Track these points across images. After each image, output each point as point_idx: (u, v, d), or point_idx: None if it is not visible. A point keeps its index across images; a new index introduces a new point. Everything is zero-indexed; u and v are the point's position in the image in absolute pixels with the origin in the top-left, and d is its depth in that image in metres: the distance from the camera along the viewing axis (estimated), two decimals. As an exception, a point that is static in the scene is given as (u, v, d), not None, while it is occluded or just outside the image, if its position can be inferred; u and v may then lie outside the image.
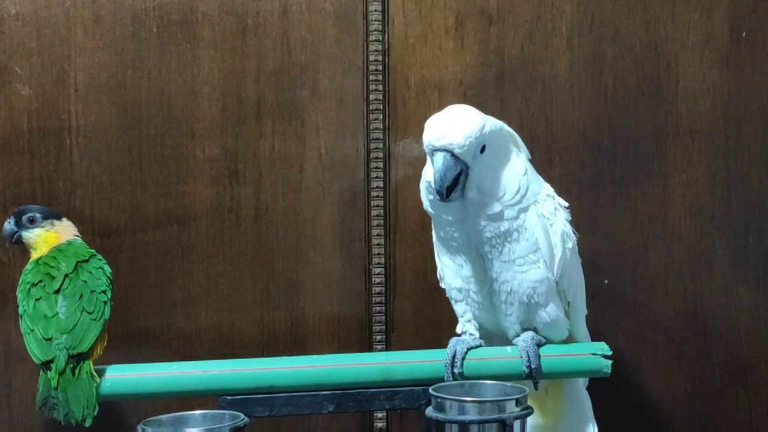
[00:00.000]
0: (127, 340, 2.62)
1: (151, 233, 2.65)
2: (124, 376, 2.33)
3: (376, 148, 2.70)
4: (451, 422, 2.22)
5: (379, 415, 2.71)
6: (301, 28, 2.68)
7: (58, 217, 2.45)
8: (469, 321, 2.43)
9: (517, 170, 2.32)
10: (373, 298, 2.70)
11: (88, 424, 2.24)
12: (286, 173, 2.68)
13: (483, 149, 2.25)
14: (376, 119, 2.69)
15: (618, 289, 2.74)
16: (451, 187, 2.25)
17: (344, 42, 2.70)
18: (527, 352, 2.36)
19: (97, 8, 2.62)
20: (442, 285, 2.47)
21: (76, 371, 2.25)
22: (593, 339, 2.51)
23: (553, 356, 2.40)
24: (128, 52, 2.64)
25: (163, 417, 2.26)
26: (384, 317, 2.70)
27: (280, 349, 2.68)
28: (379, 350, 2.68)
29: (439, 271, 2.47)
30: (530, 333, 2.39)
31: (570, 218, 2.42)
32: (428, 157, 2.30)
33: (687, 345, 2.77)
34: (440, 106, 2.67)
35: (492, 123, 2.30)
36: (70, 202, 2.62)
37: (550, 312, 2.38)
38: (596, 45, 2.74)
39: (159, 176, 2.65)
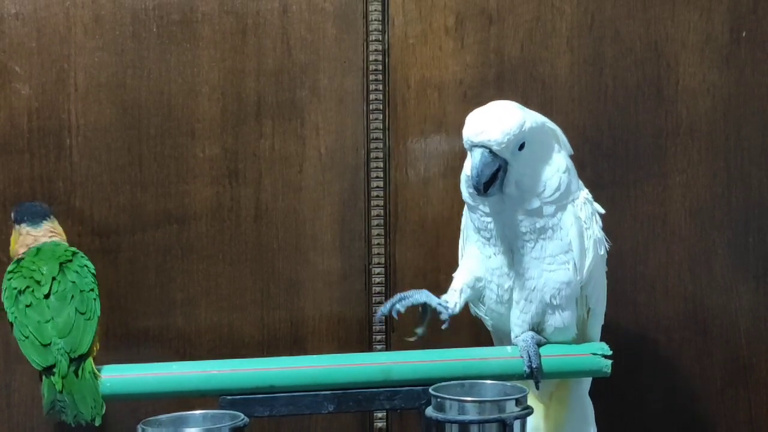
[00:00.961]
0: (126, 340, 2.62)
1: (151, 233, 2.65)
2: (124, 376, 2.33)
3: (376, 148, 2.70)
4: (451, 422, 2.22)
5: (379, 415, 2.72)
6: (301, 28, 2.68)
7: (42, 219, 2.44)
8: (455, 291, 2.42)
9: (557, 167, 2.32)
10: (373, 298, 2.70)
11: (98, 423, 2.23)
12: (286, 173, 2.68)
13: (522, 146, 2.25)
14: (376, 119, 2.69)
15: (618, 289, 2.74)
16: (489, 182, 2.26)
17: (344, 42, 2.70)
18: (528, 352, 2.36)
19: (97, 8, 2.62)
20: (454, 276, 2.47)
21: (79, 372, 2.25)
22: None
23: (553, 356, 2.40)
24: (128, 52, 2.64)
25: (163, 417, 2.26)
26: (384, 317, 2.69)
27: (280, 349, 2.68)
28: (379, 350, 2.68)
29: (460, 259, 2.47)
30: (531, 333, 2.39)
31: (600, 219, 2.41)
32: (468, 152, 2.29)
33: (687, 345, 2.77)
34: (440, 106, 2.69)
35: (533, 119, 2.29)
36: (70, 201, 2.62)
37: (565, 317, 2.38)
38: (596, 45, 2.74)
39: (159, 176, 2.65)
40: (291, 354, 2.55)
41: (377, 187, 2.69)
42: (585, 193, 2.40)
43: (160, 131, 2.65)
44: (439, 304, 2.41)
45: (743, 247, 2.76)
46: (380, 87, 2.70)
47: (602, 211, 2.43)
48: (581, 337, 2.45)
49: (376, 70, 2.69)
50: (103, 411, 2.24)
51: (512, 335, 2.43)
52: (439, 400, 2.24)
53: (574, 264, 2.34)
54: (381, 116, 2.70)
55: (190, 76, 2.66)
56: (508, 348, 2.42)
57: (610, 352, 2.40)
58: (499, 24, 2.72)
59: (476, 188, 2.25)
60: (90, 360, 2.28)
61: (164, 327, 2.67)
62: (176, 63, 2.65)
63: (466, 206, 2.43)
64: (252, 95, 2.68)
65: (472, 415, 2.21)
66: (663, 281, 2.76)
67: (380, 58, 2.69)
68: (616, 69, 2.74)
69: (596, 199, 2.69)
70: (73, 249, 2.41)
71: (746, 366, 2.78)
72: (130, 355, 2.59)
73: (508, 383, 2.32)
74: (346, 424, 2.71)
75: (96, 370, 2.28)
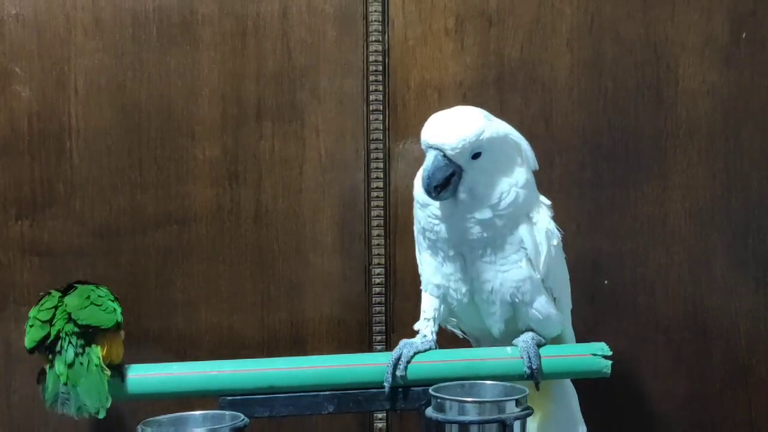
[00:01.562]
0: (127, 341, 2.60)
1: (151, 235, 2.66)
2: (124, 376, 2.33)
3: (376, 149, 2.70)
4: (451, 422, 2.22)
5: (379, 415, 2.72)
6: (301, 30, 2.69)
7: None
8: (429, 320, 2.42)
9: (515, 180, 2.30)
10: (373, 299, 2.71)
11: (101, 416, 2.21)
12: (286, 175, 2.69)
13: (478, 155, 2.24)
14: (376, 120, 2.70)
15: (618, 290, 2.75)
16: (442, 186, 2.25)
17: (344, 43, 2.70)
18: (528, 352, 2.36)
19: (97, 10, 2.63)
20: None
21: (86, 362, 2.24)
22: (593, 339, 2.51)
23: (552, 357, 2.39)
24: (128, 54, 2.65)
25: (163, 417, 2.27)
26: (384, 318, 2.70)
27: (281, 350, 2.68)
28: (379, 350, 2.68)
29: (419, 267, 2.47)
30: (530, 333, 2.39)
31: (553, 214, 2.41)
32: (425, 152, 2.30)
33: (687, 345, 2.77)
34: (440, 108, 2.67)
35: (494, 130, 2.27)
36: (70, 203, 2.63)
37: (540, 308, 2.37)
38: (596, 46, 2.74)
39: (159, 178, 2.66)
40: (291, 355, 2.55)
41: (377, 188, 2.69)
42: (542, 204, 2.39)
43: (160, 133, 2.66)
44: (424, 343, 2.39)
45: (743, 248, 2.76)
46: (380, 88, 2.70)
47: (548, 202, 2.42)
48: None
49: (376, 71, 2.70)
50: (109, 404, 2.23)
51: (494, 333, 2.42)
52: (439, 400, 2.24)
53: (528, 260, 2.33)
54: (381, 118, 2.70)
55: (190, 79, 2.66)
56: (508, 348, 2.42)
57: (610, 353, 2.40)
58: (499, 25, 2.72)
59: (427, 191, 2.25)
60: (98, 349, 2.26)
61: (165, 328, 2.67)
62: (176, 65, 2.66)
63: (415, 206, 2.41)
64: (252, 97, 2.68)
65: (472, 415, 2.21)
66: (663, 282, 2.76)
67: (380, 59, 2.70)
68: (616, 70, 2.74)
69: (596, 199, 2.71)
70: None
71: (746, 367, 2.78)
72: (130, 355, 2.57)
73: (508, 384, 2.32)
74: (346, 424, 2.71)
75: (105, 366, 2.26)
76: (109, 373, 2.26)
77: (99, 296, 2.32)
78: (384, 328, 2.71)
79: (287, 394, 2.35)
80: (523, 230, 2.32)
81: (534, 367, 2.35)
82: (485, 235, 2.30)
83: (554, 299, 2.42)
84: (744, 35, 2.76)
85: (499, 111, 2.69)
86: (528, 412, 2.24)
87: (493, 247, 2.31)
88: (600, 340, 2.45)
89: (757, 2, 2.75)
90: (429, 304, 2.42)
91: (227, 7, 2.66)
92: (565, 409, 2.53)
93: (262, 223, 2.69)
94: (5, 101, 2.61)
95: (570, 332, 2.50)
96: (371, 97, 2.70)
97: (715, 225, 2.76)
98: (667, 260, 2.76)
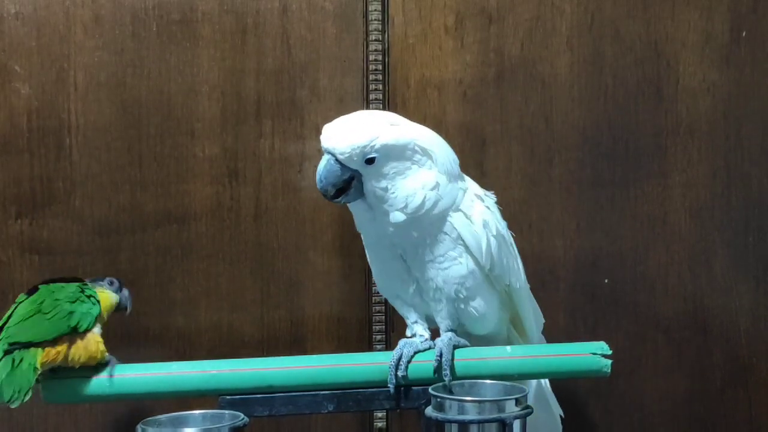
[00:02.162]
0: (126, 340, 2.62)
1: (151, 233, 2.65)
2: (124, 376, 2.33)
3: (376, 147, 2.69)
4: (451, 422, 2.22)
5: (379, 415, 2.71)
6: (300, 27, 2.68)
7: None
8: (416, 322, 2.42)
9: (422, 184, 2.25)
10: (373, 298, 2.70)
11: (14, 405, 2.18)
12: (285, 173, 2.68)
13: (372, 161, 2.21)
14: (376, 119, 2.69)
15: (618, 289, 2.75)
16: (343, 189, 2.25)
17: (344, 41, 2.70)
18: (440, 349, 2.35)
19: (97, 7, 2.62)
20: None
21: (18, 360, 2.21)
22: (593, 338, 2.51)
23: (552, 356, 2.40)
24: (128, 51, 2.64)
25: (163, 417, 2.27)
26: (384, 317, 2.70)
27: (280, 348, 2.68)
28: (379, 350, 2.68)
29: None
30: (450, 334, 2.38)
31: (488, 203, 2.38)
32: None
33: (687, 345, 2.77)
34: (440, 106, 2.69)
35: (394, 137, 2.22)
36: (70, 201, 2.62)
37: (478, 307, 2.37)
38: (596, 44, 2.74)
39: (159, 175, 2.65)
40: (291, 354, 2.54)
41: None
42: (471, 193, 2.35)
43: (159, 131, 2.65)
44: (423, 343, 2.39)
45: (743, 247, 2.76)
46: (380, 86, 2.69)
47: (484, 192, 2.39)
48: (513, 317, 2.46)
49: (376, 69, 2.69)
50: (26, 399, 2.18)
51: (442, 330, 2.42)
52: (438, 399, 2.24)
53: (469, 255, 2.32)
54: (381, 116, 2.69)
55: (189, 76, 2.66)
56: (508, 348, 2.42)
57: (609, 352, 2.39)
58: (499, 23, 2.72)
59: (322, 194, 2.25)
60: (37, 353, 2.22)
61: (164, 327, 2.67)
62: (176, 62, 2.65)
63: None
64: (252, 95, 2.68)
65: (471, 414, 2.21)
66: (663, 281, 2.76)
67: (380, 57, 2.69)
68: (616, 68, 2.74)
69: (596, 198, 2.70)
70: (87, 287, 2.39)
71: (746, 366, 2.78)
72: (129, 354, 2.58)
73: (508, 383, 2.32)
74: (346, 424, 2.71)
75: (39, 367, 2.22)
76: (39, 372, 2.22)
77: (56, 300, 2.28)
78: (384, 327, 2.70)
79: (287, 394, 2.35)
80: (459, 226, 2.30)
81: (444, 364, 2.33)
82: (414, 235, 2.29)
83: (507, 286, 2.40)
84: (744, 33, 2.75)
85: (499, 109, 2.71)
86: (528, 411, 2.24)
87: (428, 246, 2.31)
88: (600, 339, 2.44)
89: (757, 0, 2.75)
90: (406, 309, 2.43)
91: (227, 4, 2.66)
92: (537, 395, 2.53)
93: (261, 221, 2.69)
94: (4, 98, 2.61)
95: (531, 317, 2.49)
96: (371, 95, 2.69)
97: (715, 223, 2.76)
98: (667, 259, 2.76)
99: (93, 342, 2.29)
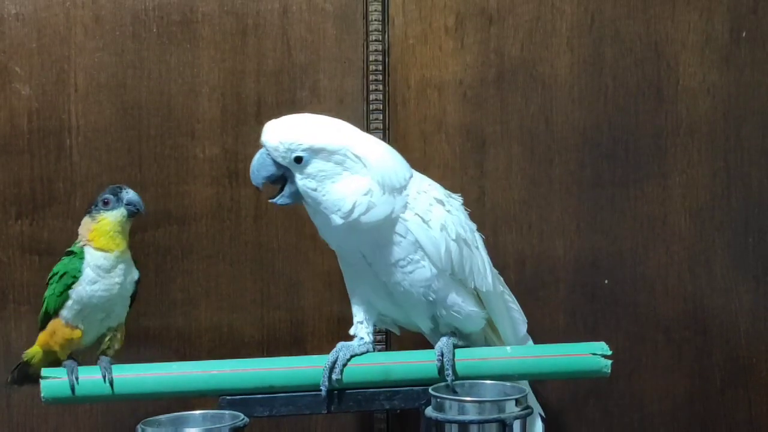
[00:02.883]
0: (126, 340, 2.60)
1: (151, 233, 2.65)
2: (124, 376, 2.33)
3: (376, 147, 2.69)
4: (451, 422, 2.22)
5: (379, 415, 2.71)
6: (301, 28, 2.69)
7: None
8: (361, 323, 2.42)
9: (353, 189, 2.25)
10: (373, 298, 2.70)
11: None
12: (285, 173, 2.68)
13: (301, 160, 2.22)
14: (376, 119, 2.69)
15: (618, 289, 2.75)
16: (280, 190, 2.28)
17: (344, 42, 2.70)
18: (441, 349, 2.35)
19: (97, 8, 2.63)
20: None
21: None
22: (593, 338, 2.51)
23: (552, 356, 2.40)
24: (128, 52, 2.64)
25: (163, 417, 2.27)
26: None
27: (280, 349, 2.68)
28: (379, 350, 2.68)
29: None
30: (449, 336, 2.39)
31: (451, 206, 2.36)
32: None
33: (687, 345, 2.77)
34: (440, 106, 2.69)
35: (323, 141, 2.23)
36: (70, 202, 2.62)
37: (453, 306, 2.37)
38: (596, 45, 2.74)
39: (159, 176, 2.65)
40: (291, 354, 2.55)
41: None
42: (417, 187, 2.33)
43: (160, 132, 2.65)
44: (360, 346, 2.40)
45: (743, 247, 2.76)
46: (380, 87, 2.70)
47: (443, 195, 2.37)
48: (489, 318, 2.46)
49: (376, 70, 2.69)
50: None
51: (424, 330, 2.43)
52: (438, 400, 2.25)
53: (429, 260, 2.32)
54: (381, 116, 2.70)
55: (190, 77, 2.66)
56: (508, 348, 2.43)
57: (609, 352, 2.40)
58: (499, 24, 2.72)
59: (255, 187, 2.29)
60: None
61: (164, 327, 2.67)
62: (176, 63, 2.66)
63: None
64: (252, 95, 2.68)
65: (471, 415, 2.21)
66: (663, 281, 2.76)
67: (380, 58, 2.69)
68: (616, 69, 2.74)
69: (596, 198, 2.70)
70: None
71: (746, 366, 2.78)
72: (129, 355, 2.58)
73: (508, 383, 2.32)
74: (346, 424, 2.71)
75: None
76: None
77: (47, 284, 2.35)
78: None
79: (287, 394, 2.36)
80: (415, 230, 2.30)
81: (446, 364, 2.34)
82: (367, 239, 2.30)
83: (475, 289, 2.39)
84: (744, 34, 2.75)
85: (499, 110, 2.71)
86: (528, 411, 2.24)
87: (387, 250, 2.31)
88: (600, 340, 2.45)
89: (757, 1, 2.75)
90: (357, 308, 2.43)
91: (227, 5, 2.66)
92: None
93: (261, 221, 2.69)
94: (5, 99, 2.61)
95: (506, 321, 2.49)
96: (371, 96, 2.70)
97: (715, 224, 2.76)
98: (667, 259, 2.76)
99: (53, 328, 2.36)
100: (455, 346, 2.37)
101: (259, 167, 2.26)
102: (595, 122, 2.74)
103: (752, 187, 2.76)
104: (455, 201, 2.41)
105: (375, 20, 2.69)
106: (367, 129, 2.69)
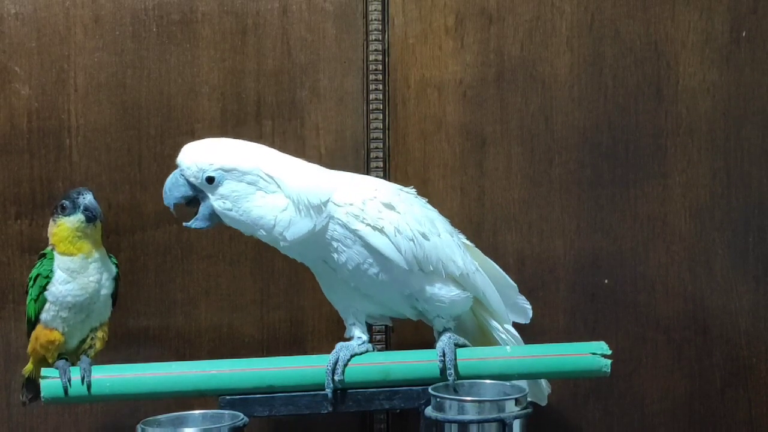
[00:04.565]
0: (126, 339, 2.62)
1: (151, 233, 2.65)
2: (124, 376, 2.33)
3: (376, 148, 2.70)
4: (451, 422, 2.22)
5: (380, 415, 2.71)
6: (300, 28, 2.69)
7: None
8: (354, 324, 2.44)
9: (271, 207, 2.27)
10: (373, 299, 2.70)
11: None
12: (285, 173, 2.68)
13: (212, 180, 2.25)
14: (376, 119, 2.69)
15: (618, 289, 2.74)
16: (195, 213, 2.30)
17: (344, 42, 2.70)
18: (443, 349, 2.36)
19: (97, 8, 2.63)
20: None
21: None
22: (593, 338, 2.52)
23: (551, 356, 2.40)
24: (128, 52, 2.64)
25: (163, 417, 2.27)
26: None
27: (280, 349, 2.68)
28: (380, 350, 2.68)
29: None
30: (448, 334, 2.39)
31: (401, 207, 2.35)
32: None
33: (687, 345, 2.77)
34: (440, 106, 2.69)
35: (234, 162, 2.26)
36: (70, 202, 2.62)
37: (433, 297, 2.38)
38: (596, 45, 2.74)
39: (159, 176, 2.64)
40: (291, 353, 2.55)
41: (379, 187, 2.68)
42: (357, 198, 2.32)
43: (159, 131, 2.65)
44: (360, 346, 2.41)
45: (743, 247, 2.76)
46: (380, 87, 2.69)
47: (391, 195, 2.36)
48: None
49: (376, 69, 2.69)
50: None
51: (409, 314, 2.44)
52: (438, 399, 2.25)
53: (393, 264, 2.32)
54: (381, 116, 2.70)
55: (189, 77, 2.66)
56: (508, 348, 2.43)
57: (609, 352, 2.40)
58: (499, 23, 2.72)
59: (166, 205, 2.30)
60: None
61: (164, 327, 2.67)
62: (176, 63, 2.66)
63: None
64: (252, 95, 2.68)
65: (471, 414, 2.21)
66: (663, 281, 2.76)
67: (380, 57, 2.69)
68: (616, 69, 2.74)
69: (596, 198, 2.70)
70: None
71: (746, 366, 2.78)
72: (129, 355, 2.60)
73: (508, 383, 2.32)
74: (346, 424, 2.71)
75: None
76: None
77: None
78: (384, 326, 2.70)
79: (287, 394, 2.36)
80: (373, 241, 2.30)
81: (448, 363, 2.34)
82: (312, 254, 2.34)
83: (457, 272, 2.40)
84: (744, 34, 2.75)
85: (499, 109, 2.71)
86: (528, 411, 2.24)
87: (346, 259, 2.32)
88: (600, 339, 2.45)
89: (757, 1, 2.75)
90: (343, 312, 2.45)
91: (227, 5, 2.66)
92: None
93: (261, 221, 2.68)
94: (4, 99, 2.61)
95: (494, 298, 2.47)
96: (371, 96, 2.70)
97: (715, 223, 2.76)
98: (667, 259, 2.76)
99: (36, 334, 2.36)
100: (456, 345, 2.37)
101: (172, 187, 2.28)
102: (595, 122, 2.74)
103: (752, 187, 2.76)
104: (407, 195, 2.42)
105: (375, 20, 2.69)
106: (367, 129, 2.69)
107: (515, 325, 2.53)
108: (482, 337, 2.51)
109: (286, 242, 2.29)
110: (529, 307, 2.58)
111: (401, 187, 2.43)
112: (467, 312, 2.47)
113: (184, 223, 2.31)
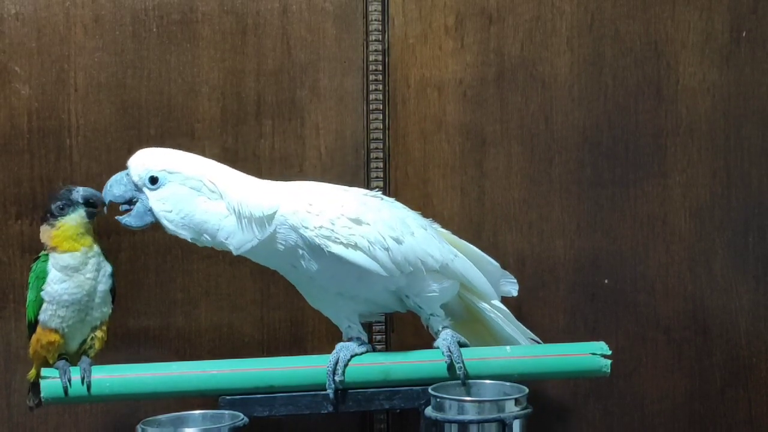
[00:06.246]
0: (126, 339, 2.62)
1: (151, 233, 2.64)
2: (124, 376, 2.33)
3: (376, 147, 2.70)
4: (451, 422, 2.23)
5: (379, 415, 2.71)
6: (300, 28, 2.69)
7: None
8: (350, 327, 2.44)
9: (213, 214, 2.29)
10: (373, 299, 2.70)
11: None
12: (286, 173, 2.68)
13: (156, 181, 2.27)
14: (376, 119, 2.69)
15: (618, 289, 2.74)
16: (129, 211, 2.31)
17: (344, 41, 2.70)
18: (448, 347, 2.36)
19: (97, 8, 2.63)
20: None
21: None
22: (593, 338, 2.52)
23: (551, 356, 2.40)
24: (128, 52, 2.64)
25: (163, 417, 2.28)
26: (384, 317, 2.69)
27: (280, 349, 2.68)
28: (379, 350, 2.68)
29: None
30: (448, 331, 2.40)
31: (369, 216, 2.34)
32: None
33: (687, 345, 2.77)
34: (440, 106, 2.69)
35: (179, 167, 2.29)
36: (70, 201, 2.62)
37: (422, 292, 2.39)
38: (596, 45, 2.74)
39: (159, 176, 2.65)
40: (291, 354, 2.55)
41: (377, 187, 2.68)
42: (335, 220, 2.32)
43: (160, 131, 2.65)
44: (360, 346, 2.42)
45: (743, 247, 2.76)
46: (380, 87, 2.70)
47: (355, 207, 2.35)
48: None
49: (376, 69, 2.69)
50: None
51: (398, 307, 2.45)
52: (438, 399, 2.25)
53: (369, 271, 2.32)
54: (381, 116, 2.70)
55: (189, 76, 2.66)
56: (508, 348, 2.43)
57: (609, 352, 2.40)
58: (499, 23, 2.72)
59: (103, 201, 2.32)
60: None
61: (164, 327, 2.67)
62: (176, 63, 2.66)
63: None
64: (252, 95, 2.68)
65: (471, 414, 2.21)
66: (663, 281, 2.76)
67: (380, 57, 2.69)
68: (616, 68, 2.74)
69: (596, 198, 2.70)
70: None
71: (746, 366, 2.78)
72: (130, 355, 2.59)
73: (508, 383, 2.33)
74: (346, 424, 2.71)
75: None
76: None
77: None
78: (384, 327, 2.70)
79: (287, 394, 2.36)
80: (351, 259, 2.29)
81: (456, 359, 2.35)
82: (278, 260, 2.37)
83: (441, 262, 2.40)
84: (744, 33, 2.75)
85: (499, 109, 2.71)
86: (528, 411, 2.24)
87: (318, 267, 2.32)
88: (600, 339, 2.46)
89: (757, 0, 2.75)
90: (334, 318, 2.46)
91: (227, 5, 2.66)
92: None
93: (261, 221, 2.68)
94: (5, 99, 2.61)
95: (478, 279, 2.48)
96: (371, 96, 2.70)
97: (715, 223, 2.76)
98: (667, 259, 2.76)
99: (36, 336, 2.37)
100: (459, 344, 2.38)
101: (114, 183, 2.30)
102: (595, 122, 2.74)
103: (752, 186, 2.76)
104: (373, 199, 2.41)
105: (375, 20, 2.69)
106: (367, 129, 2.70)
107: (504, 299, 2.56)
108: (470, 317, 2.51)
109: (236, 252, 2.30)
110: (515, 280, 2.60)
111: (364, 191, 2.44)
112: (454, 298, 2.48)
113: (116, 217, 2.31)
